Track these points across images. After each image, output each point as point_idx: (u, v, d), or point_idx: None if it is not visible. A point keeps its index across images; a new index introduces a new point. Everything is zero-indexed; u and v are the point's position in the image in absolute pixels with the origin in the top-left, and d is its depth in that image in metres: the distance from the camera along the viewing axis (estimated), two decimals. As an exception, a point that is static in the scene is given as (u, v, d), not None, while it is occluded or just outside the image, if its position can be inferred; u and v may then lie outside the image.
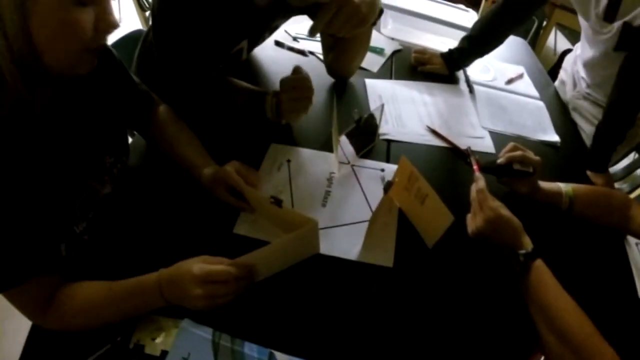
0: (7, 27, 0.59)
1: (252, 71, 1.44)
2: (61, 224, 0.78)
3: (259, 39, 1.28)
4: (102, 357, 0.75)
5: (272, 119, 1.15)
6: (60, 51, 0.67)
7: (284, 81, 1.10)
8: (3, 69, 0.62)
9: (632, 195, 1.91)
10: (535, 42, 3.18)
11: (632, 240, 1.07)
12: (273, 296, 0.84)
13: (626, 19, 1.11)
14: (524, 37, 2.21)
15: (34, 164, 0.69)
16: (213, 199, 0.96)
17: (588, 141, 1.35)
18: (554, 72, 1.73)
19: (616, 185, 1.80)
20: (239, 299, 0.78)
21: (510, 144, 1.03)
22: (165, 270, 0.77)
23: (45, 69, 0.67)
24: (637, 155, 1.82)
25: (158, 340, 0.77)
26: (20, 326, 0.79)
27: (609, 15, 1.16)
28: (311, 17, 1.21)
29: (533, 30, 2.87)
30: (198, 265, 0.75)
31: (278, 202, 0.85)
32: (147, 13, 2.90)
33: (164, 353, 0.74)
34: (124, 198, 0.97)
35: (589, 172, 1.24)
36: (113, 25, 0.70)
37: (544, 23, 3.22)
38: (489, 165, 1.03)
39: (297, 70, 1.13)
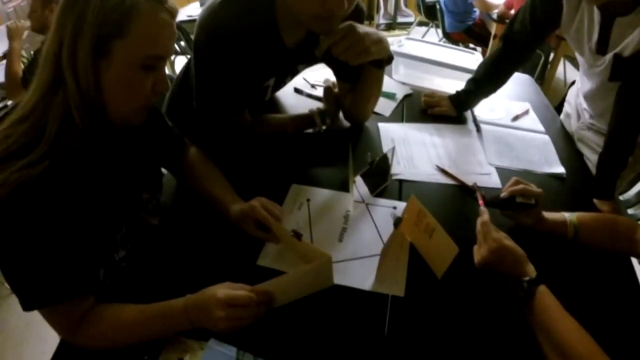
0: (80, 79, 0.73)
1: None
2: (103, 252, 0.87)
3: (284, 79, 1.44)
4: None
5: (320, 128, 1.40)
6: (123, 105, 0.80)
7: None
8: (72, 110, 0.74)
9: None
10: (544, 76, 3.20)
11: None
12: (293, 320, 0.90)
13: (616, 50, 1.15)
14: (532, 71, 2.25)
15: (82, 197, 0.79)
16: (238, 233, 1.04)
17: (594, 170, 1.37)
18: (562, 104, 1.76)
19: (630, 211, 1.79)
20: (261, 321, 0.84)
21: (513, 179, 1.07)
22: (192, 295, 0.84)
23: (107, 119, 0.80)
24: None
25: None
26: (43, 334, 0.84)
27: (601, 48, 1.20)
28: (330, 66, 1.36)
29: (540, 64, 2.89)
30: (222, 290, 0.82)
31: (298, 235, 0.94)
32: (172, 57, 3.10)
33: None
34: (156, 231, 1.06)
35: (595, 200, 1.25)
36: (167, 89, 0.83)
37: (551, 56, 3.23)
38: (493, 199, 1.07)
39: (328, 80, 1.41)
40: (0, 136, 0.73)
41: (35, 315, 0.80)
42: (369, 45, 1.13)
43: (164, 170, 1.18)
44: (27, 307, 0.77)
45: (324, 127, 1.44)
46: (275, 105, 1.64)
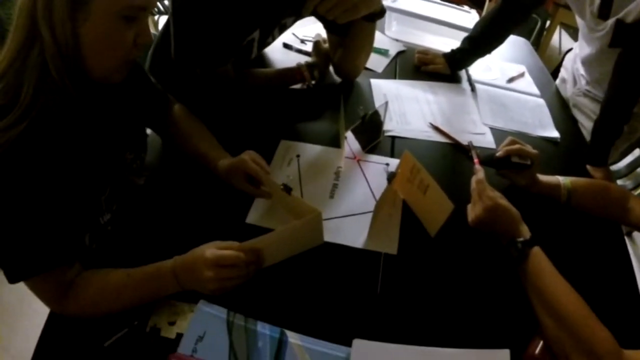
0: (57, 32, 0.67)
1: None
2: (87, 216, 0.84)
3: (270, 33, 1.35)
4: (119, 340, 0.78)
5: (309, 82, 1.38)
6: (102, 59, 0.75)
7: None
8: (50, 66, 0.68)
9: (636, 193, 1.93)
10: (539, 42, 3.19)
11: (637, 237, 1.08)
12: (284, 280, 0.88)
13: (619, 16, 1.13)
14: (528, 36, 2.23)
15: (64, 159, 0.75)
16: (226, 191, 1.01)
17: (588, 137, 1.37)
18: (558, 71, 1.75)
19: (619, 182, 1.82)
20: (251, 282, 0.81)
21: (509, 138, 1.06)
22: (180, 257, 0.81)
23: (86, 75, 0.75)
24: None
25: (174, 323, 0.80)
26: (38, 308, 0.83)
27: (603, 12, 1.18)
28: (319, 19, 1.29)
29: (537, 30, 2.87)
30: (210, 250, 0.79)
31: (288, 189, 0.91)
32: (156, 17, 2.99)
33: (180, 336, 0.78)
34: (141, 192, 1.02)
35: (588, 167, 1.26)
36: (149, 41, 0.78)
37: (548, 22, 3.22)
38: (488, 158, 1.06)
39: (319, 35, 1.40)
40: None
41: (28, 290, 0.79)
42: (357, 2, 1.08)
43: (148, 130, 1.13)
44: (12, 279, 0.74)
45: (312, 82, 1.39)
46: (263, 61, 1.58)
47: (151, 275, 0.81)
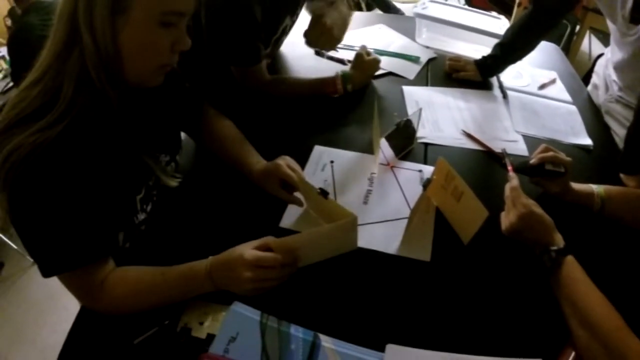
0: (97, 36, 0.70)
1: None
2: (122, 214, 0.86)
3: (297, 14, 1.44)
4: (149, 339, 0.79)
5: (340, 93, 1.40)
6: (139, 64, 0.77)
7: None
8: (89, 69, 0.71)
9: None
10: (569, 47, 3.14)
11: None
12: (318, 284, 0.90)
13: None
14: (558, 42, 2.20)
15: (101, 159, 0.77)
16: (260, 195, 1.02)
17: (621, 144, 1.33)
18: (588, 76, 1.72)
19: None
20: (285, 285, 0.82)
21: (542, 146, 1.05)
22: (215, 257, 0.82)
23: (124, 79, 0.77)
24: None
25: (205, 324, 0.81)
26: (66, 303, 0.84)
27: (635, 16, 1.16)
28: None
29: (566, 35, 2.84)
30: (249, 250, 0.80)
31: (324, 193, 0.92)
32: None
33: (210, 337, 0.78)
34: (176, 194, 1.03)
35: (621, 175, 1.23)
36: (187, 47, 0.79)
37: (577, 27, 3.17)
38: (522, 166, 1.05)
39: (364, 47, 1.45)
40: (14, 100, 0.71)
41: (57, 286, 0.80)
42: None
43: (182, 133, 1.15)
44: (46, 273, 0.76)
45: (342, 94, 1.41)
46: (295, 68, 1.61)
47: (185, 274, 0.82)
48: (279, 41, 1.45)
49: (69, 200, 0.73)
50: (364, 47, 1.45)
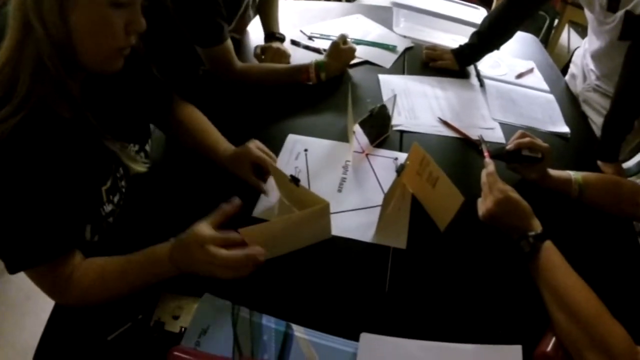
0: (47, 22, 0.66)
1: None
2: (87, 207, 0.83)
3: None
4: (123, 334, 0.78)
5: (313, 81, 1.38)
6: (93, 48, 0.73)
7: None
8: (44, 57, 0.68)
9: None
10: (548, 40, 3.17)
11: None
12: (291, 273, 0.88)
13: (628, 7, 1.12)
14: (536, 34, 2.21)
15: (62, 150, 0.74)
16: (233, 184, 1.00)
17: (598, 132, 1.35)
18: (567, 68, 1.74)
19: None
20: (257, 275, 0.79)
21: (519, 132, 1.04)
22: (178, 237, 0.79)
23: (79, 64, 0.74)
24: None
25: (179, 317, 0.80)
26: (44, 305, 0.83)
27: (612, 4, 1.17)
28: None
29: (545, 27, 2.86)
30: (204, 228, 0.77)
31: (296, 180, 0.90)
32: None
33: (184, 330, 0.77)
34: (146, 186, 1.01)
35: (599, 162, 1.25)
36: (142, 28, 0.76)
37: (556, 21, 3.21)
38: (498, 152, 1.05)
39: (342, 36, 1.41)
40: None
41: (35, 288, 0.78)
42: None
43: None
44: (11, 269, 0.73)
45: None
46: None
47: (149, 258, 0.81)
48: (244, 17, 1.44)
49: (31, 193, 0.70)
50: (342, 36, 1.42)
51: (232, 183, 1.01)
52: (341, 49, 1.40)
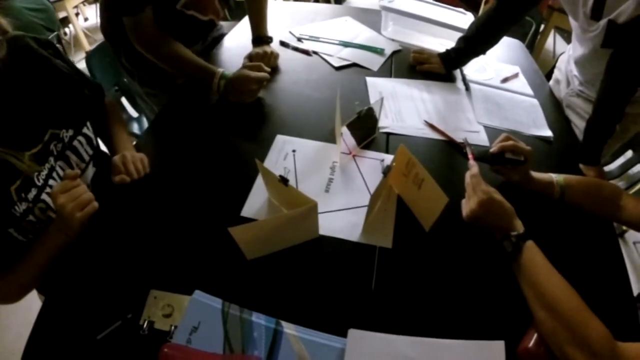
0: None
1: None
2: None
3: None
4: (113, 333, 0.78)
5: (217, 95, 1.34)
6: None
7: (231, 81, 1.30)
8: None
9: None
10: (534, 45, 3.20)
11: (629, 239, 1.07)
12: (280, 271, 0.89)
13: (611, 16, 1.13)
14: (522, 40, 2.23)
15: None
16: (222, 184, 1.01)
17: (581, 136, 1.36)
18: (551, 73, 1.75)
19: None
20: (247, 273, 0.81)
21: (503, 135, 1.05)
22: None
23: None
24: (632, 154, 1.85)
25: (169, 315, 0.80)
26: (30, 308, 0.83)
27: (596, 13, 1.18)
28: None
29: (531, 33, 2.88)
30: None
31: (285, 180, 0.91)
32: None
33: (174, 328, 0.78)
34: (137, 184, 1.02)
35: (581, 166, 1.26)
36: None
37: (542, 26, 3.21)
38: (482, 154, 1.06)
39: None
40: None
41: None
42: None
43: (136, 128, 1.14)
44: None
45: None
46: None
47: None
48: None
49: None
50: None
51: (223, 182, 1.02)
52: (248, 78, 1.30)
